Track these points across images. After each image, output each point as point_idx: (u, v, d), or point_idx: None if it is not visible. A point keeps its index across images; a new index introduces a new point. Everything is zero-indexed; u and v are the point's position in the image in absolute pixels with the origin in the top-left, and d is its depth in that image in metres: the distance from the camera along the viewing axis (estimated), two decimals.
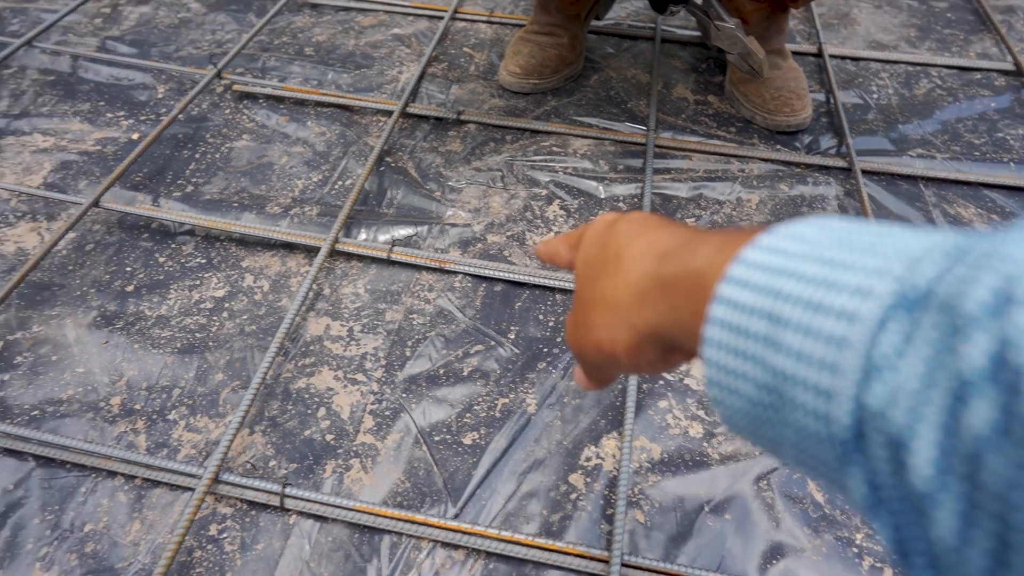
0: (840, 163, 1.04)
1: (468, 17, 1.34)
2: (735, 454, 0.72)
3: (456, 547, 0.64)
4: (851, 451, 0.19)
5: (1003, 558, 0.15)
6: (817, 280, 0.21)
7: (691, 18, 1.32)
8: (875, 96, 1.20)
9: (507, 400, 0.76)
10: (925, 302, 0.18)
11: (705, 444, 0.73)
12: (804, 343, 0.20)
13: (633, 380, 0.75)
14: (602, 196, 1.00)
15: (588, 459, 0.71)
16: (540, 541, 0.63)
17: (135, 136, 1.07)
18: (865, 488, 0.19)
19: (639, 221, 0.34)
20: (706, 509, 0.68)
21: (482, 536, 0.63)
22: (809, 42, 1.31)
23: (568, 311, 0.37)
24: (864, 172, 1.03)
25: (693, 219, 0.98)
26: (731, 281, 0.24)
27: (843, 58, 1.27)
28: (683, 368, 0.79)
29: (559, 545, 0.63)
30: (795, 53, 1.24)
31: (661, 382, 0.78)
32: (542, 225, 0.96)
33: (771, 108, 1.09)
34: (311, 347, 0.80)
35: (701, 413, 0.75)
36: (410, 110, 1.10)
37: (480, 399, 0.76)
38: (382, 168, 1.03)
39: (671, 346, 0.30)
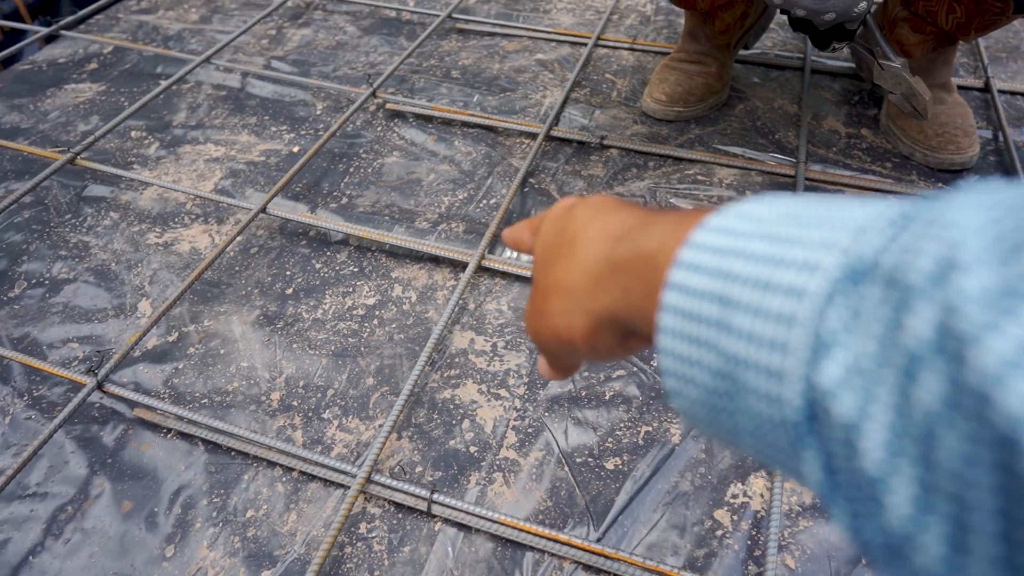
0: None
1: (611, 44, 1.35)
2: None
3: (599, 571, 0.64)
4: (804, 434, 0.18)
5: (961, 543, 0.14)
6: (765, 258, 0.20)
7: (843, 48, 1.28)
8: None
9: (650, 428, 0.75)
10: (872, 274, 0.17)
11: None
12: (754, 324, 0.20)
13: None
14: None
15: (735, 496, 0.69)
16: (686, 575, 0.62)
17: (295, 149, 1.15)
18: (821, 474, 0.18)
19: (596, 204, 0.33)
20: (863, 562, 0.64)
21: (626, 563, 0.63)
22: (975, 76, 1.24)
23: (527, 298, 0.36)
24: None
25: None
26: (682, 266, 0.23)
27: (1013, 94, 1.20)
28: None
29: None
30: (959, 87, 1.18)
31: None
32: None
33: (934, 145, 1.03)
34: (456, 359, 0.82)
35: None
36: (554, 133, 1.12)
37: (622, 424, 0.75)
38: (526, 189, 1.05)
39: (628, 331, 0.29)
